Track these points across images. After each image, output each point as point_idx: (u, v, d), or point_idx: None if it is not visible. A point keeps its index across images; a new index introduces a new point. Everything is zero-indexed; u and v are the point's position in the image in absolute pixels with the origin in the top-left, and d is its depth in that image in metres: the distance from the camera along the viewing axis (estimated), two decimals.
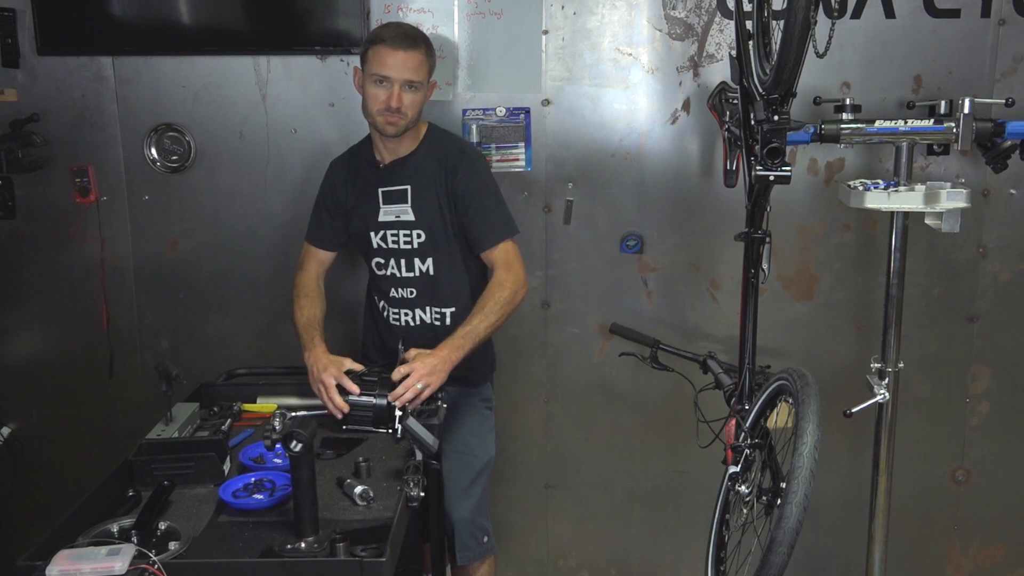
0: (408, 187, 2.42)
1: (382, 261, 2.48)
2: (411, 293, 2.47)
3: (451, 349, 2.24)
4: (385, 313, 2.52)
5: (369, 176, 2.46)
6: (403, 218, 2.43)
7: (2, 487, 3.04)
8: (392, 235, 2.44)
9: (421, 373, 2.16)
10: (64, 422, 3.03)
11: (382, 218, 2.44)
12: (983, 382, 2.93)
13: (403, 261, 2.45)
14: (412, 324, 2.48)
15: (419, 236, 2.43)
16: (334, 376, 2.16)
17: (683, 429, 2.61)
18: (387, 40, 2.29)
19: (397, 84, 2.29)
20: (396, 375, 2.16)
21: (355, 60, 2.75)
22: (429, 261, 2.44)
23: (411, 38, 2.31)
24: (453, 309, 2.45)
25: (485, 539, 2.55)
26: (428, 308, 2.47)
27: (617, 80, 2.79)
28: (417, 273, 2.45)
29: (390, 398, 2.11)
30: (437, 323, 2.47)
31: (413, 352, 2.23)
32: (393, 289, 2.48)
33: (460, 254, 2.46)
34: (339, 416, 2.15)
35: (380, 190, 2.44)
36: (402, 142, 2.41)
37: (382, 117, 2.32)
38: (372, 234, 2.46)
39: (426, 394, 2.17)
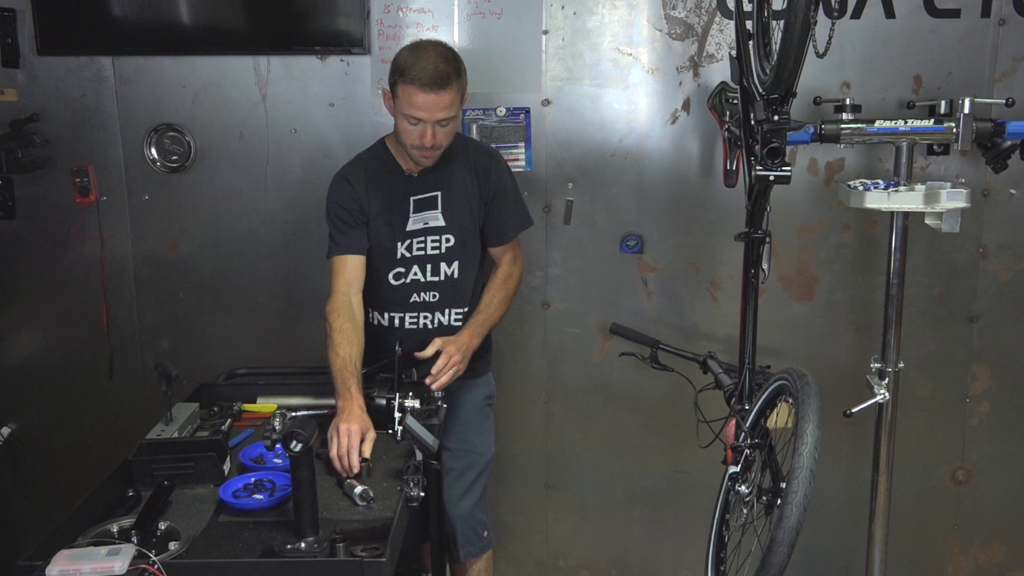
0: (438, 193, 2.39)
1: (403, 270, 2.41)
2: (434, 297, 2.43)
3: (472, 335, 2.31)
4: (395, 323, 2.46)
5: (397, 185, 2.39)
6: (432, 224, 2.39)
7: (2, 487, 3.04)
8: (419, 242, 2.40)
9: (455, 360, 2.22)
10: (64, 422, 3.03)
11: (411, 227, 2.39)
12: (983, 382, 2.93)
13: (428, 266, 2.41)
14: (431, 327, 2.44)
15: (448, 240, 2.40)
16: (356, 434, 2.00)
17: (683, 429, 2.61)
18: (416, 81, 2.15)
19: (430, 125, 2.20)
20: (429, 351, 2.23)
21: (355, 60, 2.77)
22: (455, 265, 2.42)
23: (442, 78, 2.15)
24: (467, 308, 2.46)
25: (485, 533, 2.57)
26: (448, 311, 2.45)
27: (617, 80, 2.79)
28: (442, 277, 2.42)
29: (428, 381, 2.19)
30: (457, 323, 2.44)
31: (439, 341, 2.26)
32: (415, 295, 2.43)
33: (480, 254, 2.47)
34: (344, 475, 1.98)
35: (412, 199, 2.39)
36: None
37: (416, 152, 2.27)
38: (399, 244, 2.39)
39: (453, 376, 2.24)
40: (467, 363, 2.31)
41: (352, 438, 1.99)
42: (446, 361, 2.24)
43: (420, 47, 2.23)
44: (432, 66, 2.16)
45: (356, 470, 1.96)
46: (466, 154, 2.43)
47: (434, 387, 2.22)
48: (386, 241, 2.39)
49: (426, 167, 2.35)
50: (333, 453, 2.00)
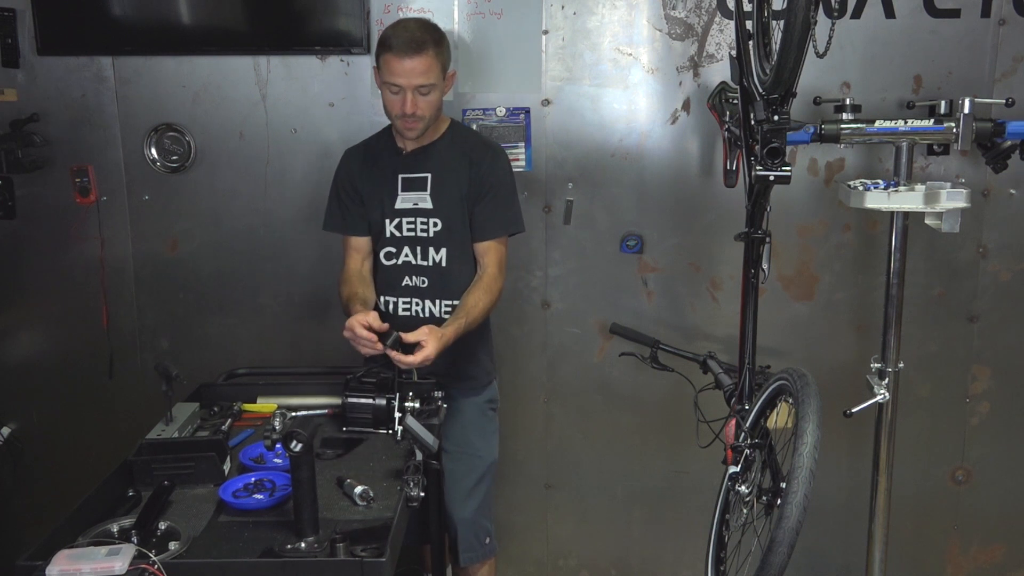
0: (429, 175, 2.41)
1: (393, 250, 2.45)
2: (423, 283, 2.44)
3: (455, 334, 2.27)
4: (389, 308, 2.48)
5: (389, 162, 2.45)
6: (421, 206, 2.41)
7: (2, 487, 3.04)
8: (408, 223, 2.43)
9: (430, 354, 2.17)
10: (64, 422, 3.03)
11: (399, 205, 2.42)
12: (983, 382, 2.93)
13: (418, 249, 2.43)
14: (421, 316, 2.45)
15: (435, 225, 2.41)
16: (360, 321, 2.16)
17: (683, 429, 2.61)
18: (393, 48, 2.25)
19: (409, 91, 2.27)
20: (415, 336, 2.17)
21: (355, 60, 2.79)
22: (443, 252, 2.42)
23: (416, 43, 2.25)
24: (458, 302, 2.43)
25: (487, 540, 2.55)
26: (438, 301, 2.44)
27: (617, 80, 2.79)
28: (430, 263, 2.43)
29: (392, 355, 2.15)
30: (448, 315, 2.42)
31: (425, 329, 2.19)
32: (407, 278, 2.45)
33: (471, 247, 2.45)
34: (373, 350, 2.16)
35: (400, 176, 2.43)
36: (424, 132, 2.40)
37: (400, 122, 2.33)
38: (387, 221, 2.44)
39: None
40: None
41: (350, 327, 2.16)
42: (423, 359, 2.16)
43: (401, 20, 2.41)
44: (408, 33, 2.28)
45: (372, 339, 2.14)
46: (465, 143, 2.46)
47: (409, 365, 2.16)
48: (377, 218, 2.45)
49: (419, 148, 2.41)
50: (361, 347, 2.18)
